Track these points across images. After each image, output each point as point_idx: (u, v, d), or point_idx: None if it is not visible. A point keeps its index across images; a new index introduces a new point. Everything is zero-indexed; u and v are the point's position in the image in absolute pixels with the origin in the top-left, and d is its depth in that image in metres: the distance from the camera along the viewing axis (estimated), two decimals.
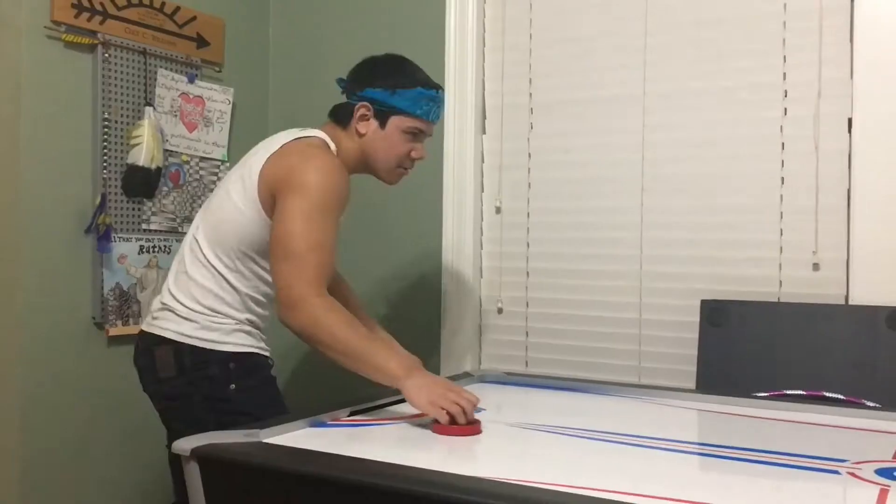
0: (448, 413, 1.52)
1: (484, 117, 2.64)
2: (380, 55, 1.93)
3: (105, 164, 2.37)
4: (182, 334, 1.80)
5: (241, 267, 1.80)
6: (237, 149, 2.81)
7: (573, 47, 2.49)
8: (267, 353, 1.90)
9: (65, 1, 2.27)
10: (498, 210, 2.62)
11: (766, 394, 1.98)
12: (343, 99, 1.90)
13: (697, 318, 2.21)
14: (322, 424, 1.56)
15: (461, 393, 1.57)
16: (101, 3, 2.36)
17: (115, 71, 2.40)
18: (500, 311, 2.62)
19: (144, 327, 1.88)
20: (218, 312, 1.81)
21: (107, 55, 2.37)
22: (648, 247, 2.37)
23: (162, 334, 1.81)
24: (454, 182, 2.62)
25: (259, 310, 1.87)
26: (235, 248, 1.79)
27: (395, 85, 1.83)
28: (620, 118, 2.41)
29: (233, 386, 1.80)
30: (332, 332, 1.61)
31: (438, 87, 1.89)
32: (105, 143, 2.37)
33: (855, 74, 2.08)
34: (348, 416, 1.64)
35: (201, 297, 1.81)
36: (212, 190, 2.69)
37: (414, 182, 2.68)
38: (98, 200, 2.35)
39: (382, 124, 1.84)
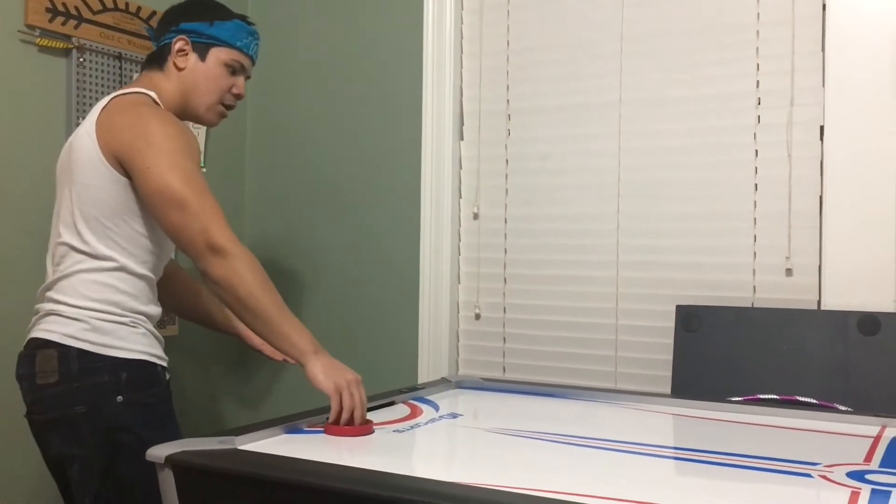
0: (342, 407, 1.54)
1: (462, 123, 2.65)
2: None
3: None
4: (67, 335, 1.64)
5: (122, 241, 1.67)
6: (214, 154, 2.80)
7: (550, 54, 2.50)
8: (164, 363, 1.76)
9: (39, 5, 2.25)
10: (476, 216, 2.62)
11: (740, 398, 2.00)
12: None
13: (673, 324, 2.23)
14: (298, 431, 1.55)
15: (360, 387, 1.58)
16: (76, 8, 2.34)
17: (90, 75, 2.39)
18: (477, 317, 2.62)
19: (29, 335, 1.72)
20: (114, 305, 1.67)
21: (81, 59, 2.36)
22: (624, 253, 2.39)
23: (46, 337, 1.65)
24: (432, 188, 2.62)
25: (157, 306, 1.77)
26: (107, 220, 1.66)
27: (213, 17, 1.81)
28: (597, 125, 2.43)
29: (120, 398, 1.65)
30: (251, 290, 1.57)
31: (254, 25, 1.88)
32: None
33: (827, 83, 2.11)
34: (325, 422, 1.63)
35: (91, 291, 1.66)
36: None
37: (391, 187, 2.70)
38: None
39: (202, 57, 1.80)
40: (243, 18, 1.87)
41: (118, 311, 1.67)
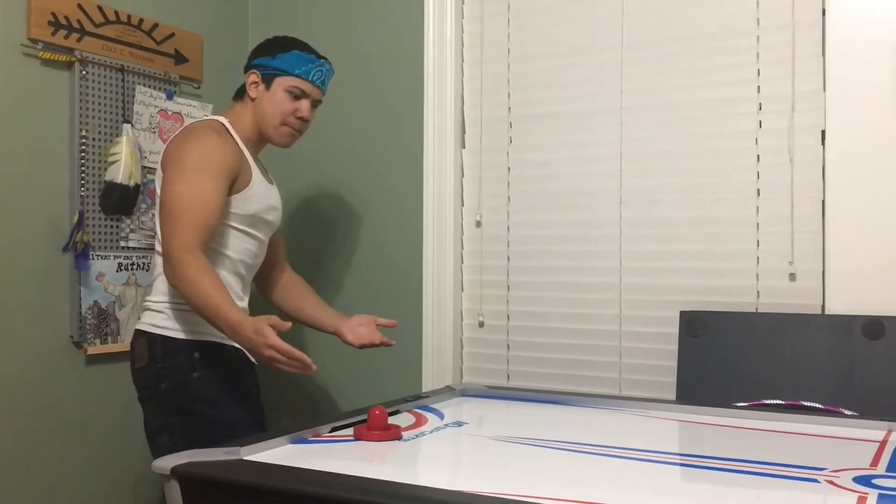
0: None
1: (463, 131, 2.65)
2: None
3: (83, 181, 2.36)
4: (153, 325, 1.95)
5: None
6: None
7: (551, 61, 2.51)
8: (238, 345, 1.94)
9: (41, 18, 2.26)
10: (478, 224, 2.63)
11: (745, 404, 1.99)
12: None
13: (677, 329, 2.22)
14: (303, 441, 1.56)
15: (273, 347, 1.65)
16: (79, 21, 2.35)
17: (93, 88, 2.39)
18: (481, 324, 2.62)
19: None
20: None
21: (84, 72, 2.36)
22: (627, 259, 2.39)
23: (139, 327, 1.98)
24: (434, 196, 2.62)
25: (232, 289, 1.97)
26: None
27: (275, 51, 2.06)
28: (598, 131, 2.43)
29: (195, 374, 1.92)
30: (187, 282, 1.77)
31: (319, 55, 2.11)
32: (83, 161, 2.36)
33: (827, 87, 2.11)
34: (330, 431, 1.63)
35: (170, 288, 1.91)
36: None
37: (393, 196, 2.70)
38: (76, 218, 2.33)
39: (268, 86, 2.05)
40: (303, 49, 2.08)
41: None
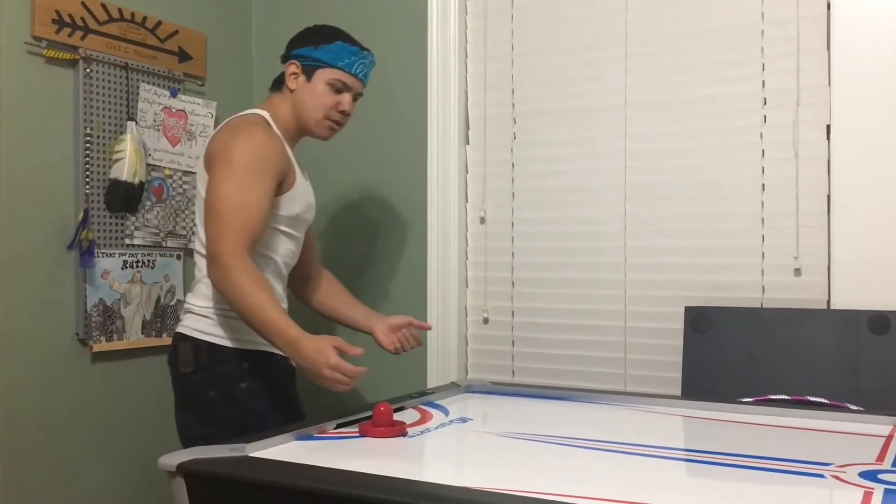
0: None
1: (467, 128, 2.65)
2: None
3: (87, 179, 2.36)
4: (199, 331, 1.89)
5: None
6: None
7: (554, 57, 2.51)
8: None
9: (45, 16, 2.26)
10: (482, 220, 2.63)
11: (750, 399, 1.99)
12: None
13: (682, 325, 2.22)
14: (309, 437, 1.56)
15: (335, 370, 1.62)
16: (82, 19, 2.36)
17: (97, 86, 2.40)
18: (485, 320, 2.62)
19: (175, 330, 1.98)
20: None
21: (88, 70, 2.37)
22: (632, 255, 2.38)
23: (183, 331, 1.91)
24: (438, 192, 2.62)
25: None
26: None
27: (318, 41, 1.98)
28: (602, 127, 2.43)
29: (243, 384, 1.87)
30: (237, 289, 1.71)
31: (363, 47, 2.02)
32: (87, 159, 2.36)
33: (833, 82, 2.11)
34: (335, 428, 1.63)
35: (214, 292, 1.86)
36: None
37: (398, 193, 2.70)
38: (80, 216, 2.34)
39: (309, 78, 1.97)
40: (347, 40, 2.00)
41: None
